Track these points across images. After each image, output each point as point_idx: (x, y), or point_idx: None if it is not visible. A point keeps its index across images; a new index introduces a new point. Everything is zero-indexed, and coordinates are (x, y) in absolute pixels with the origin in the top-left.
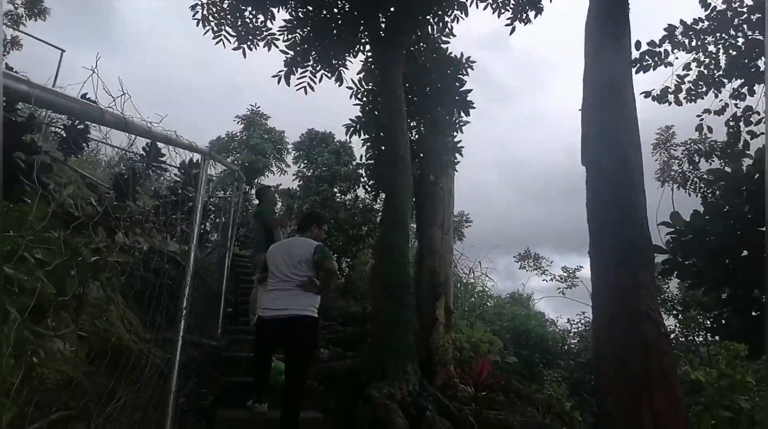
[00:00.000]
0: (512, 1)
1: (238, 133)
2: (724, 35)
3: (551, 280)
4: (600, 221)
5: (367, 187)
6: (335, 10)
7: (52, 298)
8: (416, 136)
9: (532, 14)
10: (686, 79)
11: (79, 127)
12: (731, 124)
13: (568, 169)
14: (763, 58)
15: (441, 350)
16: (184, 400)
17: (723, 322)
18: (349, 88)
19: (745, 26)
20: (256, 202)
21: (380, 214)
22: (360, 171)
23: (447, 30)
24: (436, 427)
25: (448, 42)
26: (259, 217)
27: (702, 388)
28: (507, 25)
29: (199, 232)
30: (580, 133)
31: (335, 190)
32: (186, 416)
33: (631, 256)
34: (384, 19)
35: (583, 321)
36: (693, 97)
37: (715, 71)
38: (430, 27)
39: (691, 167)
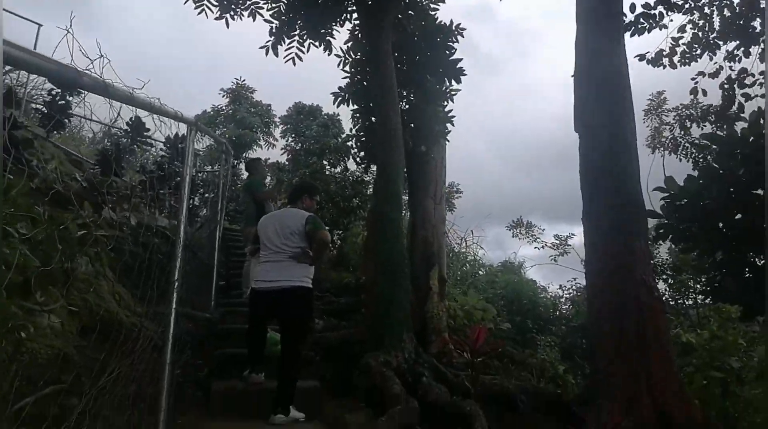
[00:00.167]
0: None
1: (224, 107)
2: None
3: (543, 247)
4: (593, 187)
5: (357, 158)
6: None
7: (37, 271)
8: (406, 106)
9: None
10: (681, 42)
11: (60, 102)
12: (726, 86)
13: (557, 138)
14: (759, 19)
15: (435, 318)
16: (180, 372)
17: (717, 284)
18: (337, 56)
19: None
20: (246, 175)
21: (371, 185)
22: (350, 143)
23: None
24: (433, 392)
25: (437, 9)
26: (249, 190)
27: (693, 349)
28: None
29: (189, 207)
30: (568, 102)
31: (324, 162)
32: (182, 388)
33: (625, 221)
34: None
35: (574, 287)
36: (687, 60)
37: (710, 33)
38: None
39: (682, 133)
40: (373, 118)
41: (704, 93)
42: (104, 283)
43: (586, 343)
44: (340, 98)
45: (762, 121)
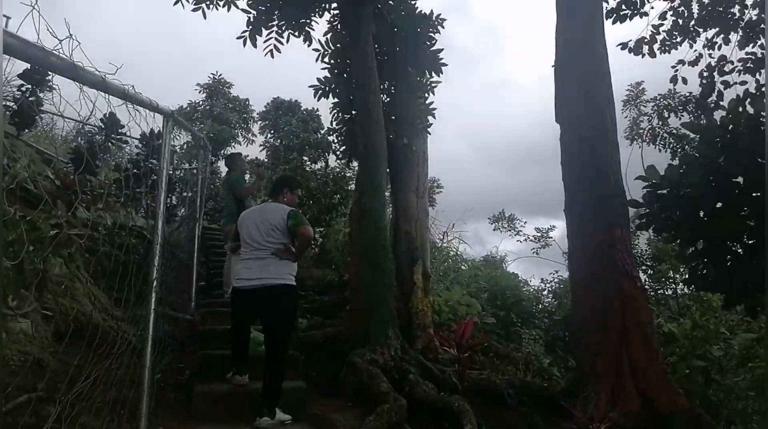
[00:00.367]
0: None
1: (201, 103)
2: None
3: (525, 240)
4: (575, 178)
5: (338, 152)
6: None
7: (8, 274)
8: (387, 99)
9: None
10: (661, 29)
11: (30, 98)
12: (705, 74)
13: (533, 133)
14: (737, 5)
15: (420, 314)
16: (161, 375)
17: (699, 273)
18: (316, 50)
19: None
20: (224, 174)
21: (353, 182)
22: (330, 137)
23: None
24: (420, 389)
25: None
26: (228, 187)
27: (675, 339)
28: None
29: (166, 204)
30: (543, 97)
31: (305, 158)
32: (164, 392)
33: (607, 212)
34: None
35: (557, 280)
36: (668, 48)
37: (690, 20)
38: None
39: (660, 123)
40: (354, 111)
41: (684, 81)
42: (79, 285)
43: (568, 335)
44: (320, 91)
45: (741, 109)
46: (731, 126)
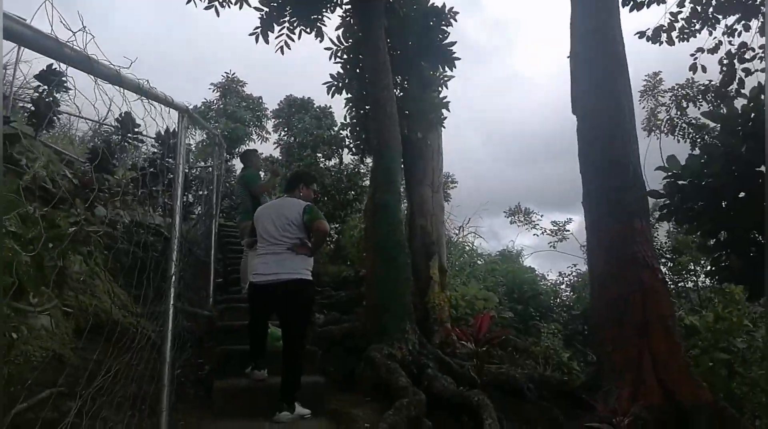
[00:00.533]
0: None
1: (215, 101)
2: None
3: (542, 234)
4: (593, 170)
5: (352, 148)
6: None
7: (29, 271)
8: (400, 94)
9: None
10: (680, 17)
11: (47, 99)
12: (725, 62)
13: (546, 128)
14: None
15: (437, 309)
16: (180, 371)
17: (722, 265)
18: (327, 48)
19: None
20: (239, 172)
21: (367, 178)
22: (344, 133)
23: None
24: (439, 383)
25: None
26: (244, 183)
27: (697, 332)
28: None
29: (183, 200)
30: (556, 90)
31: (319, 155)
32: (184, 388)
33: (627, 203)
34: None
35: (575, 273)
36: (686, 36)
37: (709, 7)
38: None
39: (678, 113)
40: (367, 107)
41: (704, 69)
42: (99, 282)
43: (587, 329)
44: (333, 87)
45: (763, 97)
46: (753, 114)
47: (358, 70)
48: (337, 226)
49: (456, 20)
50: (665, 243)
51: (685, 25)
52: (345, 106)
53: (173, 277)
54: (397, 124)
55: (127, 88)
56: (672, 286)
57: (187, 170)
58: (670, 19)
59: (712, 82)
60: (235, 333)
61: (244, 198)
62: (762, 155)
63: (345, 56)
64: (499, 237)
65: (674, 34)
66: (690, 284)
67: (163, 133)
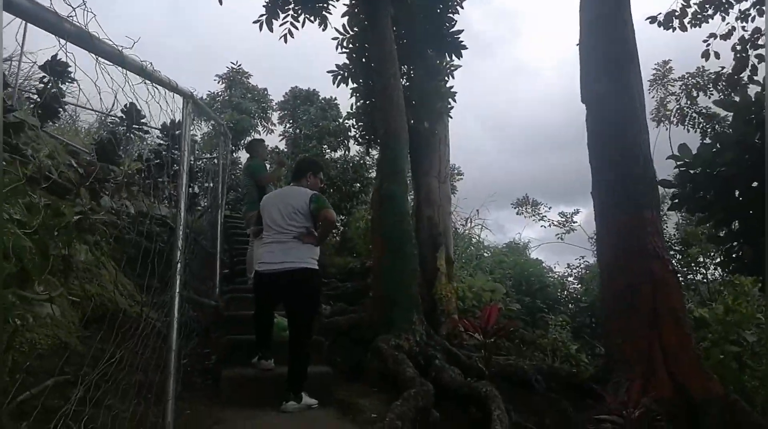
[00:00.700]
0: None
1: (220, 93)
2: None
3: (549, 225)
4: (603, 159)
5: (358, 139)
6: None
7: (34, 259)
8: (407, 83)
9: None
10: (692, 2)
11: (53, 90)
12: (738, 48)
13: (552, 119)
14: None
15: (444, 300)
16: (187, 361)
17: (734, 255)
18: (334, 38)
19: None
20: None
21: (373, 170)
22: (349, 122)
23: None
24: (446, 374)
25: None
26: (250, 173)
27: (707, 324)
28: None
29: (188, 189)
30: (561, 81)
31: (324, 146)
32: (191, 377)
33: (636, 193)
34: None
35: (583, 265)
36: (699, 21)
37: None
38: None
39: (688, 102)
40: (373, 97)
41: (717, 56)
42: (105, 272)
43: (595, 322)
44: (339, 77)
45: None
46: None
47: (364, 60)
48: (343, 217)
49: (462, 7)
50: (674, 235)
51: (698, 10)
52: (351, 96)
53: (178, 264)
54: (403, 114)
55: (129, 69)
56: (681, 279)
57: (192, 161)
58: (682, 3)
59: (725, 69)
60: (241, 323)
61: (249, 188)
62: None
63: (351, 45)
64: (504, 230)
65: (686, 19)
66: (699, 277)
67: (168, 124)
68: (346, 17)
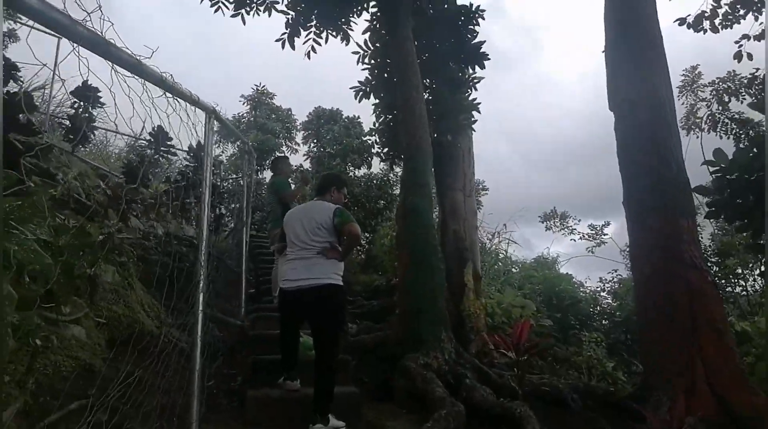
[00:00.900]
0: None
1: (245, 114)
2: None
3: (580, 238)
4: (634, 167)
5: (381, 154)
6: None
7: (59, 280)
8: (429, 97)
9: None
10: (722, 2)
11: (84, 115)
12: None
13: (576, 133)
14: None
15: (473, 317)
16: (213, 382)
17: None
18: (355, 52)
19: None
20: (267, 183)
21: (397, 186)
22: (372, 139)
23: None
24: (478, 394)
25: None
26: (274, 190)
27: (749, 338)
28: None
29: (210, 208)
30: (584, 95)
31: (348, 163)
32: (216, 398)
33: (671, 201)
34: None
35: (616, 279)
36: (730, 22)
37: None
38: None
39: (720, 108)
40: (395, 111)
41: (750, 57)
42: (132, 293)
43: (631, 338)
44: (361, 92)
45: None
46: None
47: (385, 75)
48: (368, 235)
49: (484, 18)
50: (709, 246)
51: (729, 10)
52: (373, 112)
53: (200, 282)
54: (426, 126)
55: (148, 79)
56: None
57: (218, 182)
58: (712, 4)
59: (759, 71)
60: (267, 342)
61: (273, 205)
62: None
63: (372, 61)
64: (531, 245)
65: (717, 20)
66: (738, 289)
67: (195, 145)
68: (368, 33)
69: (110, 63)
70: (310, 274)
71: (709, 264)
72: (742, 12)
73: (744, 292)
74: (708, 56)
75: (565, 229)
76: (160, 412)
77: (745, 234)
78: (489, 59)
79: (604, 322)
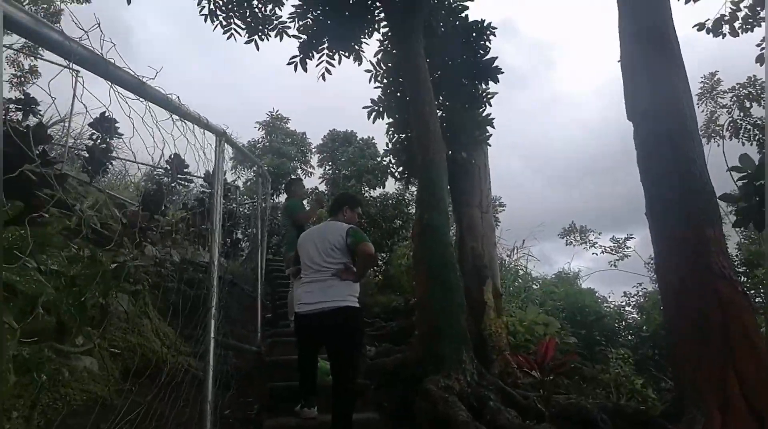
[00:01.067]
0: None
1: (260, 139)
2: None
3: (602, 252)
4: (656, 176)
5: (396, 174)
6: None
7: (70, 311)
8: (443, 114)
9: None
10: (742, 5)
11: (101, 146)
12: None
13: (591, 147)
14: None
15: (494, 336)
16: (230, 411)
17: None
18: (368, 71)
19: None
20: (282, 206)
21: (412, 205)
22: (387, 159)
23: None
24: (502, 417)
25: (467, 8)
26: (288, 213)
27: None
28: None
29: (228, 234)
30: (597, 109)
31: (363, 184)
32: (233, 427)
33: (695, 210)
34: None
35: (641, 292)
36: (750, 25)
37: None
38: None
39: (741, 114)
40: (409, 130)
41: None
42: (147, 322)
43: (659, 354)
44: (374, 112)
45: None
46: None
47: (399, 94)
48: (385, 255)
49: (495, 35)
50: (736, 255)
51: (749, 13)
52: (387, 132)
53: (212, 309)
54: (441, 141)
55: (151, 101)
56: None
57: (233, 207)
58: (731, 8)
59: None
60: (284, 368)
61: (288, 228)
62: None
63: (385, 80)
64: (551, 261)
65: (737, 24)
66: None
67: (211, 172)
68: (380, 54)
69: (112, 85)
70: (326, 297)
71: (737, 274)
72: (762, 14)
73: None
74: (725, 63)
75: (586, 244)
76: None
77: None
78: (502, 73)
79: (630, 337)
